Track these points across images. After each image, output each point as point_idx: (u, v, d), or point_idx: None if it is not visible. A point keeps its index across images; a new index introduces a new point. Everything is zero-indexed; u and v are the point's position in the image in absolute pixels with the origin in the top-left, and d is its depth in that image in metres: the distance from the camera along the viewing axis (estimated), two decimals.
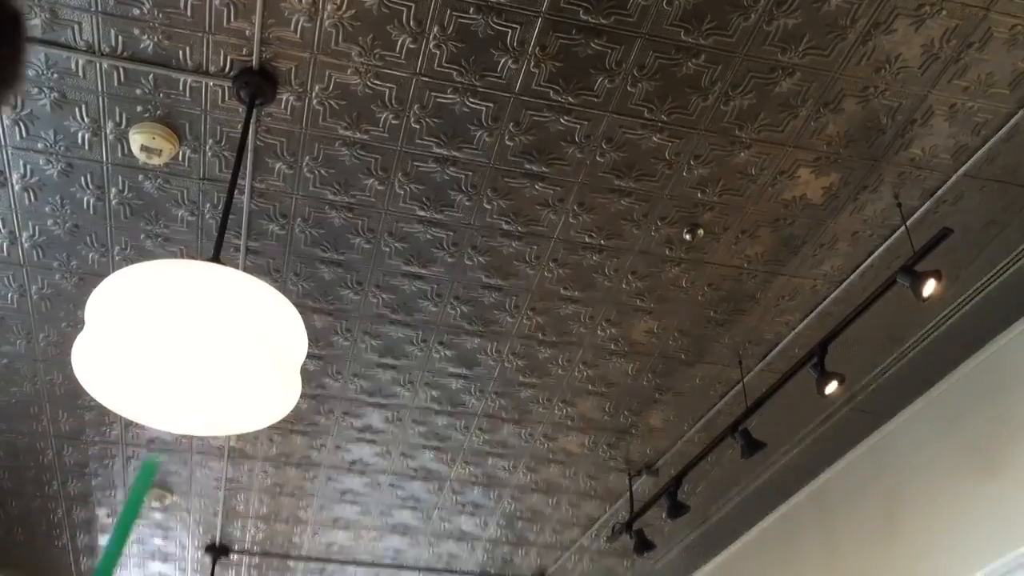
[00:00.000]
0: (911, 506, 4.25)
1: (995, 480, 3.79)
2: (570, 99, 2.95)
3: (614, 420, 4.54)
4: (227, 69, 2.87)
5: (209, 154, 3.16)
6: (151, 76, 2.89)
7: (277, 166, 3.21)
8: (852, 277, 3.66)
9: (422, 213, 3.38)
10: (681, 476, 4.49)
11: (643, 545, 4.72)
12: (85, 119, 3.04)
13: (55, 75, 2.89)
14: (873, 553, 4.42)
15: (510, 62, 2.82)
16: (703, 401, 4.42)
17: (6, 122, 3.05)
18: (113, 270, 3.55)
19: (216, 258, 2.52)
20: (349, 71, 2.87)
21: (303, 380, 2.56)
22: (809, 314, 3.86)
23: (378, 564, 5.92)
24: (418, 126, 3.04)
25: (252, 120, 2.96)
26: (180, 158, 3.18)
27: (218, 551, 5.69)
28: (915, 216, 3.37)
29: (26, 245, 3.54)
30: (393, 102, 2.96)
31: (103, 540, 5.61)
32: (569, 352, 4.08)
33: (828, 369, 3.57)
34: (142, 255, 3.55)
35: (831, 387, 3.59)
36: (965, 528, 3.87)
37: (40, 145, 3.13)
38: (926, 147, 3.13)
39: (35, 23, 2.72)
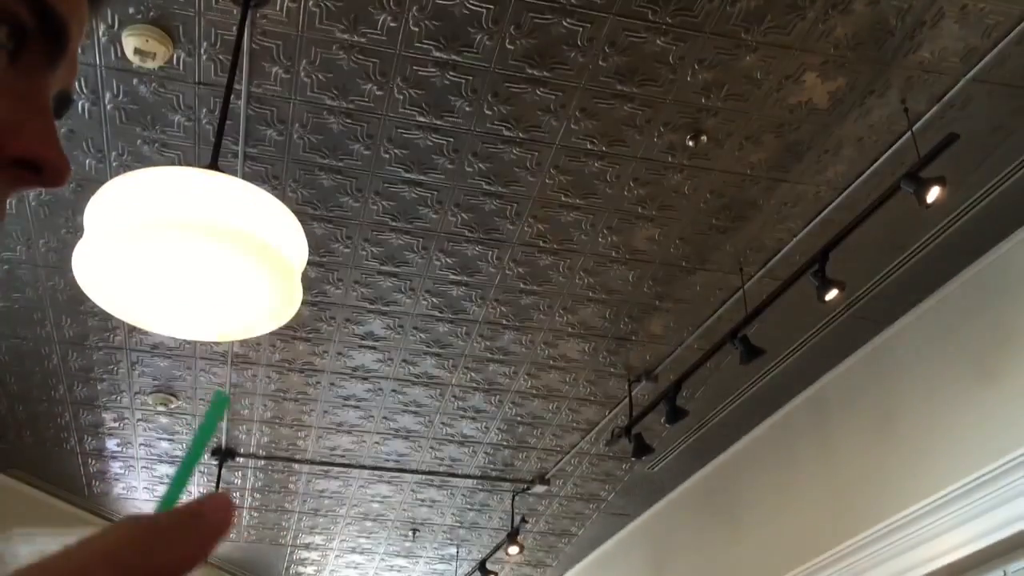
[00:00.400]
0: (909, 411, 4.30)
1: (993, 385, 3.83)
2: (572, 1, 2.88)
3: (614, 327, 4.57)
4: None
5: (204, 57, 3.10)
6: None
7: (274, 70, 3.15)
8: (856, 184, 3.63)
9: (422, 119, 3.34)
10: (680, 382, 4.53)
11: (641, 449, 4.80)
12: None
13: None
14: (870, 457, 4.50)
15: None
16: (703, 308, 4.43)
17: None
18: (110, 176, 3.52)
19: (214, 164, 2.50)
20: None
21: (304, 287, 2.56)
22: (811, 221, 3.84)
23: (381, 468, 6.03)
24: (417, 29, 2.98)
25: (247, 22, 2.89)
26: (175, 62, 3.12)
27: (224, 454, 5.79)
28: (921, 121, 3.33)
29: None
30: (391, 3, 2.89)
31: (111, 443, 5.72)
32: (570, 259, 4.08)
33: (829, 276, 3.58)
34: (139, 161, 3.52)
35: (831, 294, 3.60)
36: (962, 432, 3.93)
37: None
38: (935, 50, 3.06)
39: None
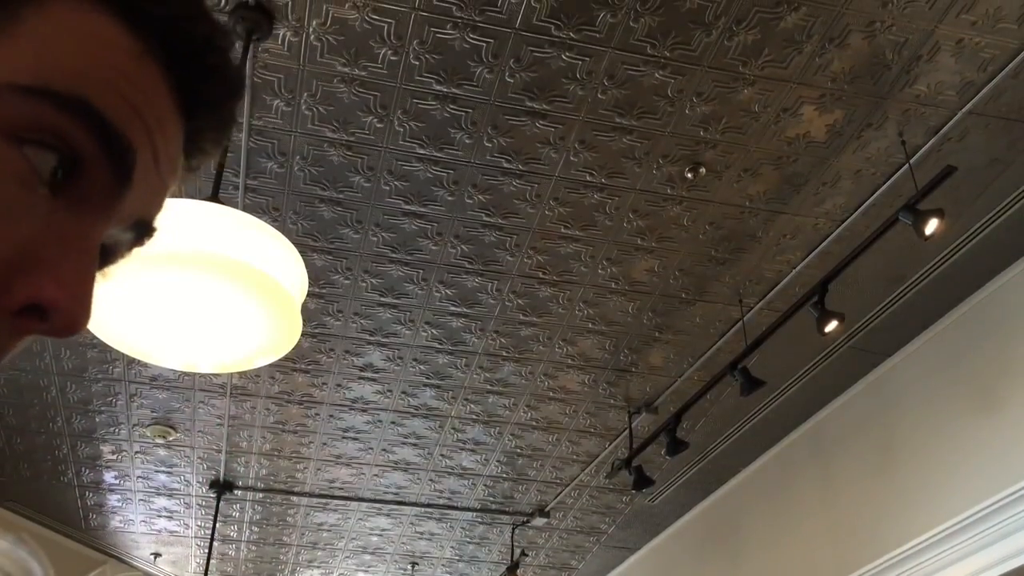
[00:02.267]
0: (909, 443, 4.28)
1: (993, 418, 3.82)
2: (572, 35, 2.90)
3: (614, 358, 4.56)
4: (223, 3, 2.82)
5: None
6: None
7: (275, 103, 3.17)
8: (854, 216, 3.64)
9: (422, 151, 3.35)
10: (680, 413, 4.52)
11: (642, 481, 4.78)
12: None
13: None
14: (871, 489, 4.47)
15: None
16: (703, 340, 4.43)
17: None
18: None
19: (215, 197, 2.51)
20: (347, 5, 2.82)
21: (304, 319, 2.56)
22: (810, 253, 3.85)
23: (380, 500, 6.00)
24: (417, 62, 3.00)
25: (249, 56, 2.92)
26: None
27: (222, 487, 5.76)
28: (919, 154, 3.35)
29: None
30: (392, 38, 2.92)
31: (108, 476, 5.68)
32: (569, 291, 4.09)
33: (828, 308, 3.58)
34: None
35: (831, 326, 3.59)
36: (963, 465, 3.91)
37: None
38: (932, 84, 3.09)
39: None
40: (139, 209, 0.49)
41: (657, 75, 3.05)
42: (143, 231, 0.51)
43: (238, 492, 5.88)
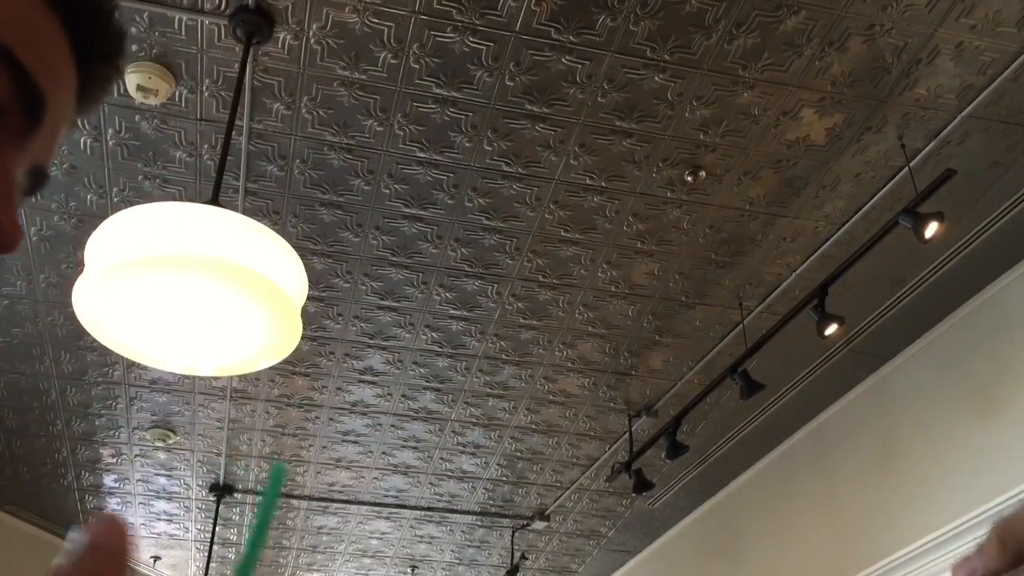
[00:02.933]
0: (909, 446, 4.28)
1: (993, 421, 3.82)
2: (571, 38, 2.91)
3: (614, 362, 4.56)
4: (223, 7, 2.82)
5: (206, 94, 3.13)
6: (146, 14, 2.85)
7: (275, 106, 3.17)
8: (854, 219, 3.64)
9: (422, 154, 3.35)
10: (680, 417, 4.52)
11: (642, 484, 4.77)
12: None
13: None
14: (871, 492, 4.47)
15: (511, 0, 2.78)
16: (703, 343, 4.43)
17: None
18: (112, 212, 3.53)
19: (215, 200, 2.51)
20: (347, 9, 2.82)
21: (303, 322, 2.56)
22: (810, 256, 3.85)
23: (380, 504, 5.99)
24: (417, 66, 3.00)
25: (249, 59, 2.92)
26: (177, 98, 3.14)
27: (222, 490, 5.76)
28: (919, 157, 3.35)
29: None
30: (392, 41, 2.92)
31: (108, 479, 5.69)
32: (569, 294, 4.09)
33: (828, 311, 3.58)
34: (140, 196, 3.53)
35: (831, 329, 3.59)
36: (962, 468, 3.91)
37: None
38: (931, 87, 3.09)
39: None
40: (38, 154, 0.52)
41: (657, 78, 3.05)
42: (38, 178, 0.54)
43: (238, 495, 5.88)
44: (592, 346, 4.44)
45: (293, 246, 2.47)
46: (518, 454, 5.38)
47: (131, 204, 3.22)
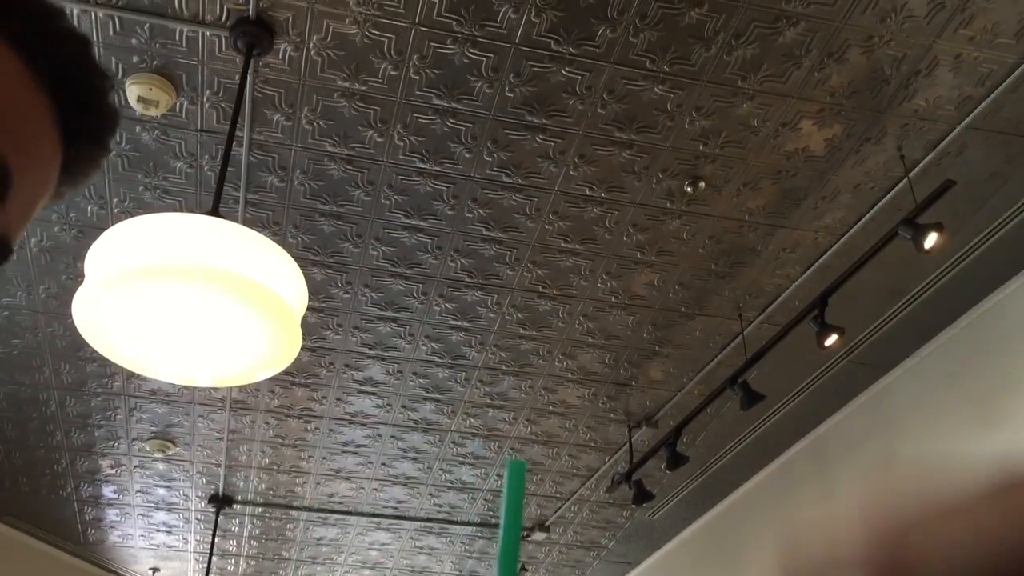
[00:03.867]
0: (909, 457, 4.27)
1: (994, 431, 3.81)
2: (571, 50, 2.91)
3: (614, 372, 4.56)
4: (224, 19, 2.83)
5: (207, 105, 3.14)
6: (147, 26, 2.86)
7: (275, 118, 3.18)
8: (853, 229, 3.64)
9: (422, 165, 3.36)
10: (680, 427, 4.51)
11: (642, 495, 4.77)
12: None
13: None
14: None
15: (510, 11, 2.79)
16: (703, 353, 4.43)
17: None
18: (112, 222, 3.54)
19: (215, 211, 2.51)
20: (347, 21, 2.83)
21: (303, 333, 2.57)
22: (810, 267, 3.85)
23: (379, 515, 5.98)
24: (417, 77, 3.01)
25: (250, 71, 2.93)
26: (177, 109, 3.15)
27: (222, 501, 5.75)
28: (918, 168, 3.35)
29: None
30: (392, 53, 2.93)
31: (107, 490, 5.67)
32: (569, 305, 4.09)
33: (828, 322, 3.58)
34: (141, 207, 3.54)
35: (831, 340, 3.59)
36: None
37: None
38: (930, 98, 3.10)
39: None
40: (4, 224, 0.53)
41: (656, 89, 3.06)
42: (2, 249, 0.55)
43: (237, 506, 5.87)
44: (592, 357, 4.44)
45: (293, 257, 2.48)
46: None
47: (131, 215, 3.23)
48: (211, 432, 5.07)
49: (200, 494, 5.74)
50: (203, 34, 2.88)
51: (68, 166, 0.57)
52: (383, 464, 5.40)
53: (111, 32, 2.87)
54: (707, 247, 3.76)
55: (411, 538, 6.30)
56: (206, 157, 3.34)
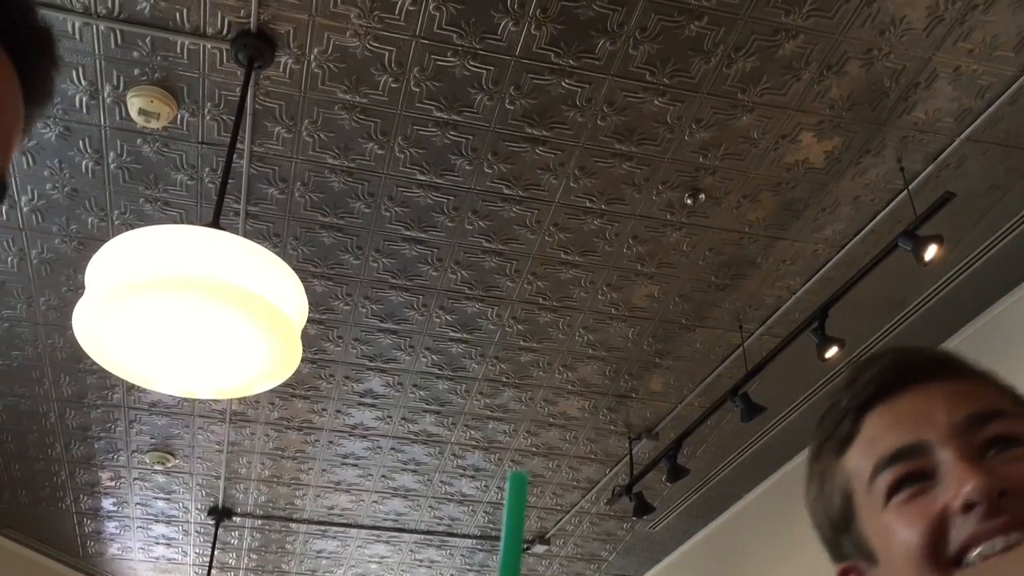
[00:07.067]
0: None
1: None
2: (571, 62, 2.92)
3: (614, 384, 4.56)
4: (225, 31, 2.84)
5: (208, 118, 3.14)
6: (148, 39, 2.87)
7: (276, 130, 3.19)
8: (854, 241, 3.65)
9: (422, 177, 3.37)
10: (681, 439, 4.51)
11: (643, 508, 4.75)
12: (82, 82, 3.01)
13: None
14: None
15: (511, 24, 2.80)
16: (703, 365, 4.42)
17: None
18: (113, 235, 3.54)
19: (216, 223, 2.51)
20: (348, 33, 2.84)
21: (303, 344, 2.57)
22: (810, 279, 3.85)
23: (379, 527, 5.97)
24: (418, 89, 3.02)
25: (250, 83, 2.94)
26: (178, 122, 3.16)
27: (221, 514, 5.73)
28: (918, 180, 3.36)
29: (25, 209, 3.53)
30: (393, 65, 2.94)
31: (107, 503, 5.66)
32: (570, 316, 4.09)
33: (829, 334, 3.57)
34: (141, 219, 3.54)
35: (831, 352, 3.59)
36: None
37: None
38: (929, 110, 3.10)
39: None
40: None
41: (656, 102, 3.06)
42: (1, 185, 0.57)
43: (237, 519, 5.85)
44: (592, 368, 4.44)
45: (293, 269, 2.48)
46: None
47: (132, 227, 3.23)
48: (211, 444, 5.06)
49: (200, 506, 5.72)
50: (204, 47, 2.89)
51: (27, 92, 0.58)
52: (383, 476, 5.39)
53: (112, 45, 2.88)
54: (707, 259, 3.76)
55: (411, 551, 6.28)
56: (207, 169, 3.35)
